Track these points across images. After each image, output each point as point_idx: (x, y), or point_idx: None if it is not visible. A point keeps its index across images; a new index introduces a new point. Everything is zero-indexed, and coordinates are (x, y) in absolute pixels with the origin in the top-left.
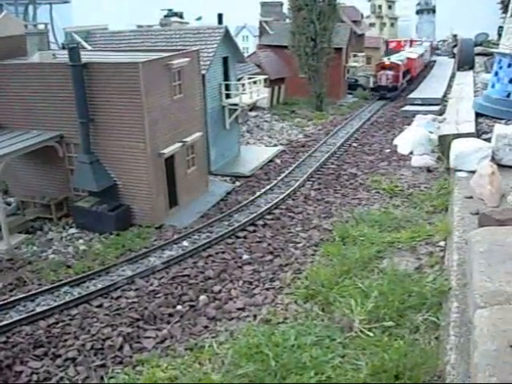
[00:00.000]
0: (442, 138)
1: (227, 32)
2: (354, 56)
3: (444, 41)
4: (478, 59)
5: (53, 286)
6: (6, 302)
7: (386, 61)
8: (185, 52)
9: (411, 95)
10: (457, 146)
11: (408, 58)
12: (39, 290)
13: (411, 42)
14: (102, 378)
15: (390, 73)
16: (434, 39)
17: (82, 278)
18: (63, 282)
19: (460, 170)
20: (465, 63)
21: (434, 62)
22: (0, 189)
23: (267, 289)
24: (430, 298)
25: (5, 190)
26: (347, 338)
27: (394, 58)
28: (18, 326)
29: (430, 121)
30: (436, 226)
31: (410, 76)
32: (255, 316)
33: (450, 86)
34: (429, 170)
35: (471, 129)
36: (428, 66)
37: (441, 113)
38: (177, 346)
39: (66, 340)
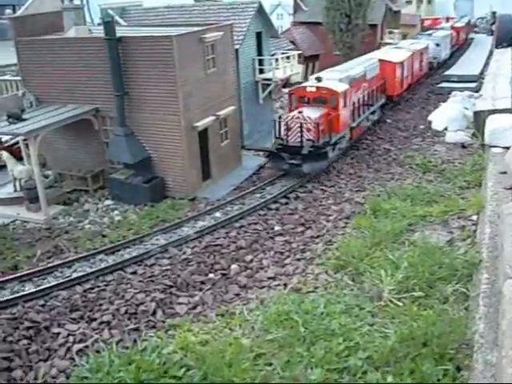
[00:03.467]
0: (477, 114)
1: (261, 7)
2: (390, 33)
3: (482, 18)
4: None
5: (88, 253)
6: (44, 268)
7: (308, 86)
8: (218, 26)
9: (447, 72)
10: (492, 122)
11: (383, 62)
12: (75, 257)
13: (447, 19)
14: (135, 340)
15: (314, 115)
16: (471, 16)
17: (116, 246)
18: (98, 250)
19: (495, 146)
20: (503, 40)
21: (472, 39)
22: (38, 162)
23: (298, 259)
24: (461, 270)
25: (43, 163)
26: (376, 307)
27: (336, 75)
28: (56, 291)
29: (465, 97)
30: (469, 201)
31: (387, 98)
32: (285, 285)
33: (487, 64)
34: (463, 146)
35: (507, 105)
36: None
37: (477, 90)
38: (208, 312)
39: (101, 304)
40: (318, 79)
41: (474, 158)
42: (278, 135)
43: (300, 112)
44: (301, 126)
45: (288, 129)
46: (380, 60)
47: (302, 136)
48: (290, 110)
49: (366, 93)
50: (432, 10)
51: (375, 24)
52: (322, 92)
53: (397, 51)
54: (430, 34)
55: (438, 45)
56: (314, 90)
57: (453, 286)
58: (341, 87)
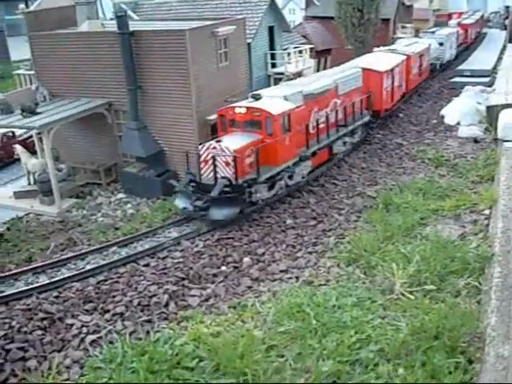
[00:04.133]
0: (490, 108)
1: (273, 1)
2: (402, 27)
3: (496, 12)
4: None
5: (102, 246)
6: (57, 260)
7: (237, 106)
8: (231, 20)
9: (460, 67)
10: (505, 117)
11: (367, 72)
12: (89, 249)
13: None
14: (148, 332)
15: (235, 145)
16: (485, 11)
17: (129, 238)
18: (111, 242)
19: (508, 141)
20: None
21: (485, 34)
22: (52, 155)
23: (310, 252)
24: (473, 264)
25: (56, 157)
26: (388, 300)
27: (284, 91)
28: (69, 283)
29: (478, 92)
30: (481, 195)
31: (373, 113)
32: (297, 278)
33: (500, 59)
34: (476, 141)
35: None
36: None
37: (490, 84)
38: (220, 305)
39: (114, 296)
40: (256, 97)
41: (487, 152)
42: (188, 169)
43: (218, 141)
44: (214, 160)
45: (203, 161)
46: (364, 69)
47: (215, 172)
48: (218, 136)
49: (338, 111)
50: (445, 4)
51: (387, 18)
52: (253, 114)
53: (387, 56)
54: (433, 32)
55: (441, 44)
56: (243, 111)
57: (465, 279)
58: (281, 108)
